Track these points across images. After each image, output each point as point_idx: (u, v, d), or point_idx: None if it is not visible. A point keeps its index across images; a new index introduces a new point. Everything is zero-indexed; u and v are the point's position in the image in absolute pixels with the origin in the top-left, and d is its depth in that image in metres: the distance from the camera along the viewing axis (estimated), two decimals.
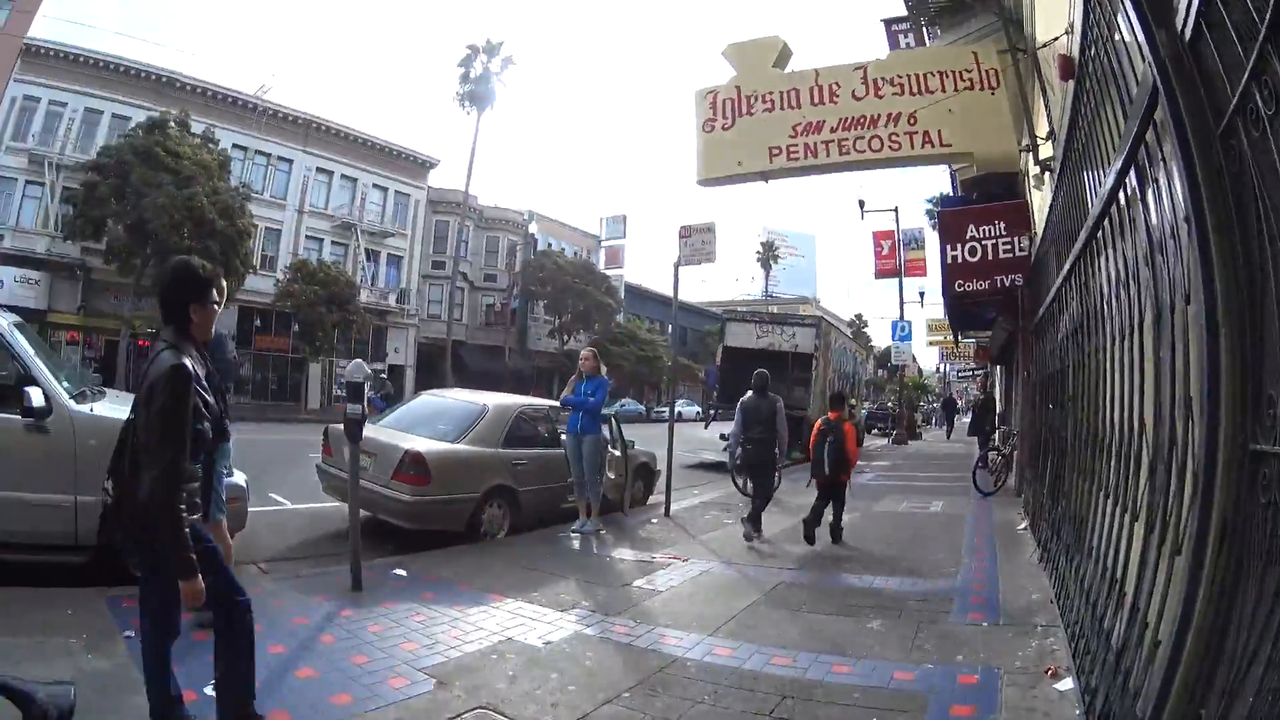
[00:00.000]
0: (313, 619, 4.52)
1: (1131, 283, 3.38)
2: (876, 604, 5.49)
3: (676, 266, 9.55)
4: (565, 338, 41.04)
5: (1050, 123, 6.40)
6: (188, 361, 2.65)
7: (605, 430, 8.28)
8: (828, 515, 7.72)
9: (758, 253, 74.79)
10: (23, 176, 27.26)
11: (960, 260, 9.73)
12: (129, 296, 25.45)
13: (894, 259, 29.49)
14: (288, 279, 29.71)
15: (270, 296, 29.94)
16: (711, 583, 6.13)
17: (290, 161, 34.31)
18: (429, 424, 7.79)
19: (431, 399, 8.94)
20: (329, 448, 7.71)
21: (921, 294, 33.55)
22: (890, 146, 7.31)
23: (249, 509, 5.64)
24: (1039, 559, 6.33)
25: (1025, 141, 6.98)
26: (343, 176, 36.44)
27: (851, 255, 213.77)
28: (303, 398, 32.82)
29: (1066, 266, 5.25)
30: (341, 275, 30.66)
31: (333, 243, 35.66)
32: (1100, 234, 4.18)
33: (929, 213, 37.90)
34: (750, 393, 8.14)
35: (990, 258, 9.42)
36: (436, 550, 6.68)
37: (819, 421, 8.09)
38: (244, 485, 5.51)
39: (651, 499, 9.88)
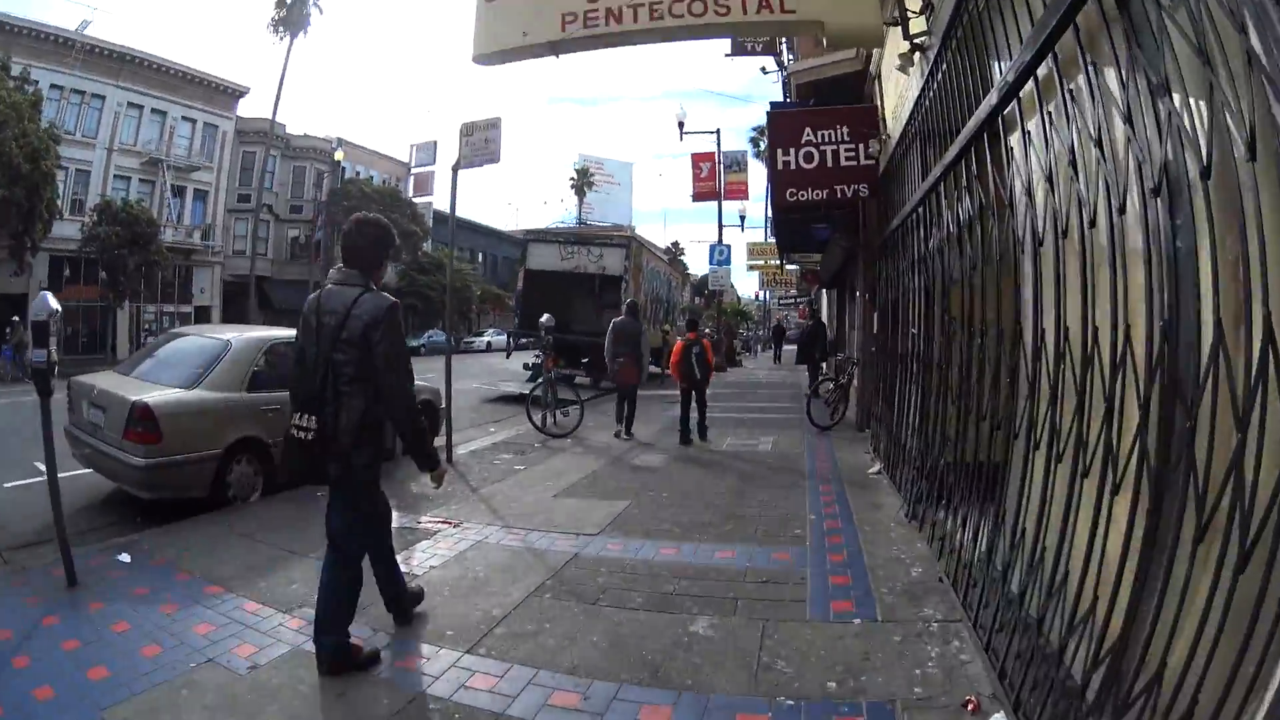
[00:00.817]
0: (15, 630, 3.53)
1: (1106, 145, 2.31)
2: (702, 589, 4.10)
3: (455, 169, 8.08)
4: None
5: None
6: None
7: None
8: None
9: (571, 179, 72.08)
10: None
11: (794, 166, 8.67)
12: None
13: (714, 180, 28.50)
14: (93, 222, 27.54)
15: (78, 242, 27.63)
16: (485, 560, 4.64)
17: (103, 98, 31.30)
18: (170, 369, 6.50)
19: (178, 341, 7.33)
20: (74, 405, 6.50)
21: (742, 217, 33.18)
22: (716, 10, 5.60)
23: None
24: (907, 515, 5.37)
25: (892, 14, 5.77)
26: (153, 111, 33.35)
27: (670, 186, 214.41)
28: (109, 348, 29.23)
29: (948, 159, 4.27)
30: (143, 214, 28.25)
31: (140, 180, 32.70)
32: (1019, 104, 3.15)
33: (753, 140, 37.78)
34: (623, 315, 10.16)
35: (830, 165, 8.47)
36: (179, 522, 5.43)
37: (680, 341, 9.65)
38: None
39: (436, 441, 8.49)
